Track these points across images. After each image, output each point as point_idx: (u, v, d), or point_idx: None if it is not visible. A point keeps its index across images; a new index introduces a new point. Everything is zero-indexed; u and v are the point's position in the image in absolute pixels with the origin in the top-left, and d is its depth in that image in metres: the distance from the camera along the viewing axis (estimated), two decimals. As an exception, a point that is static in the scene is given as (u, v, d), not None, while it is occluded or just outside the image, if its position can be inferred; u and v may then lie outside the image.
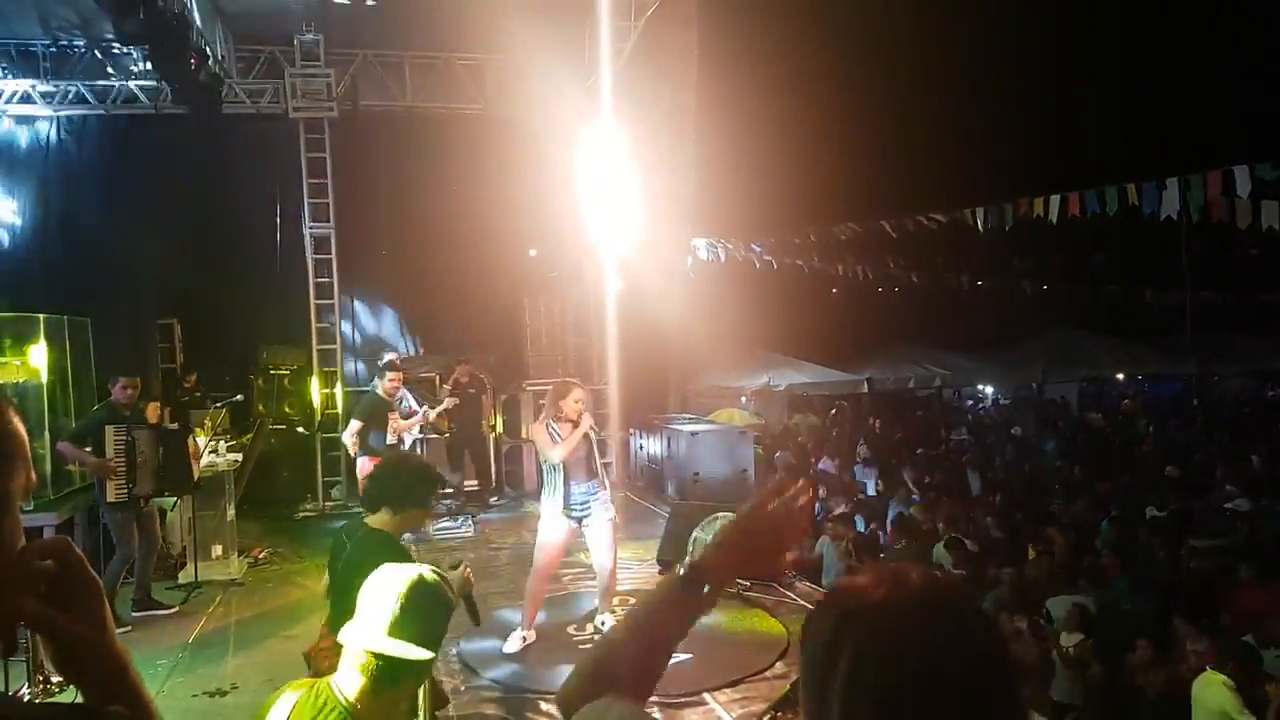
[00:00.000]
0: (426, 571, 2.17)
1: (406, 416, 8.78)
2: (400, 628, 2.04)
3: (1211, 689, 5.28)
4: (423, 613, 2.07)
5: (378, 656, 2.03)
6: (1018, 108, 22.41)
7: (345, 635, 2.09)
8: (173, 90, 10.53)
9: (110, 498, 7.07)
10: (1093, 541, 8.99)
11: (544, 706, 5.24)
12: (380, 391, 8.25)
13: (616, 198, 10.37)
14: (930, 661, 0.92)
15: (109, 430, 7.11)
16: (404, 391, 9.00)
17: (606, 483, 6.31)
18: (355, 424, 8.11)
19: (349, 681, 2.05)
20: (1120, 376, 22.39)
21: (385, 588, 2.10)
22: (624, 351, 11.47)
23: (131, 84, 11.37)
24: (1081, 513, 10.60)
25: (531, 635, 6.15)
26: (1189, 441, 16.32)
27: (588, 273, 12.19)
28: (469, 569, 3.00)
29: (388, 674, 2.03)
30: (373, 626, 2.05)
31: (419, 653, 2.02)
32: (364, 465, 7.90)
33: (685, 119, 12.47)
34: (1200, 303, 20.22)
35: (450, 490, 10.88)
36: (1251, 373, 22.18)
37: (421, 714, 2.34)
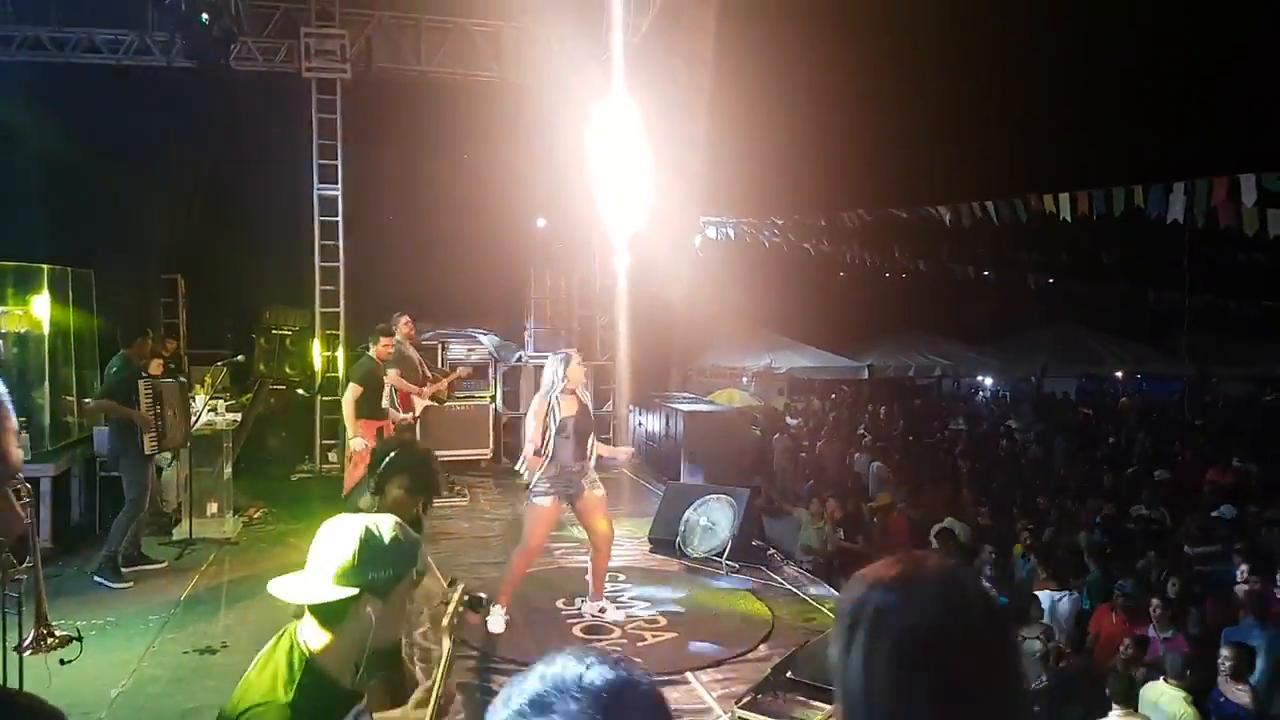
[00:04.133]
0: (380, 519, 2.11)
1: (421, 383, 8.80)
2: (346, 575, 1.99)
3: (1167, 702, 5.22)
4: (372, 555, 2.02)
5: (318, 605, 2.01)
6: (1033, 107, 22.38)
7: (279, 589, 2.03)
8: (184, 44, 10.44)
9: (146, 450, 7.12)
10: (1076, 537, 9.07)
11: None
12: (373, 354, 8.08)
13: (627, 172, 10.33)
14: (941, 616, 1.13)
15: (140, 384, 7.14)
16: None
17: (593, 461, 6.14)
18: (355, 389, 7.96)
19: (307, 630, 2.05)
20: (1119, 374, 22.37)
21: (333, 538, 2.05)
22: (628, 328, 11.47)
23: (144, 36, 11.29)
24: (1069, 508, 10.65)
25: (506, 615, 5.86)
26: (1183, 443, 16.33)
27: (595, 247, 12.17)
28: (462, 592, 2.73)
29: (333, 618, 2.01)
30: (318, 577, 2.01)
31: (347, 592, 1.98)
32: (361, 428, 7.89)
33: (699, 97, 12.39)
34: (1201, 305, 20.19)
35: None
36: (1250, 377, 22.18)
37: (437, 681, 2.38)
